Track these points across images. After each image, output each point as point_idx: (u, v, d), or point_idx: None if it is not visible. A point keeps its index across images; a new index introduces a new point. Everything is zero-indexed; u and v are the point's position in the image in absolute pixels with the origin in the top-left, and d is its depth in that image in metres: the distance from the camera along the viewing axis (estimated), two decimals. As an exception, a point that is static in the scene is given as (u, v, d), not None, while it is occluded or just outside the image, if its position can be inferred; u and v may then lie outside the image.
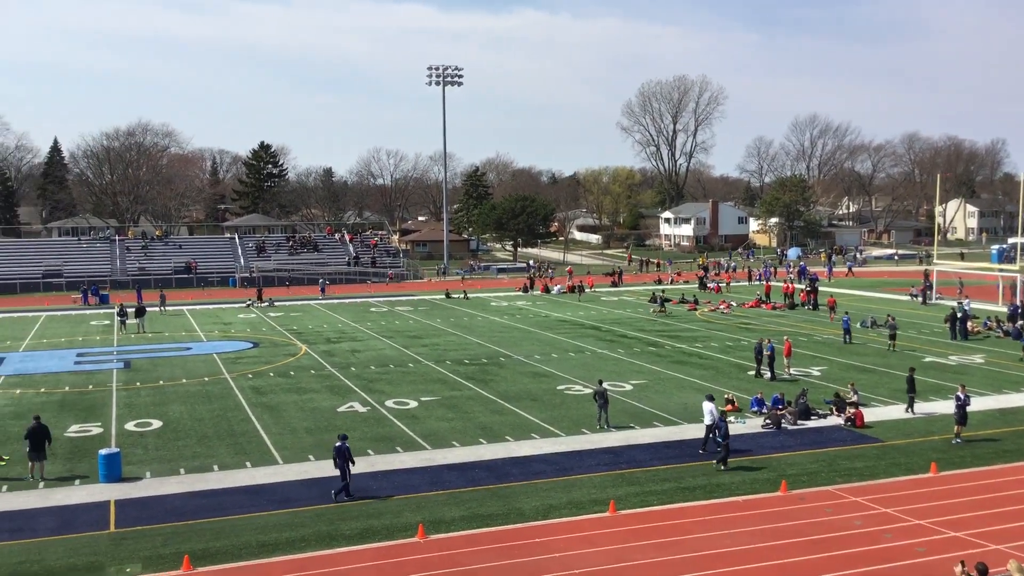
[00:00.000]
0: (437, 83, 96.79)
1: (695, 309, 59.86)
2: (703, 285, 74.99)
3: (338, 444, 22.18)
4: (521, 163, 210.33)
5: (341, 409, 31.27)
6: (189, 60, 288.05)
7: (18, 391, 34.98)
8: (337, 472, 21.93)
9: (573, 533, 19.55)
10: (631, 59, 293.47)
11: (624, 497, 21.78)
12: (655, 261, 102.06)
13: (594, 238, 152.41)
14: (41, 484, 23.05)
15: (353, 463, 22.23)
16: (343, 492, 21.76)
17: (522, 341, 46.96)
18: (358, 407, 31.57)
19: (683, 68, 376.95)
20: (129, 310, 53.57)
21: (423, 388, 34.83)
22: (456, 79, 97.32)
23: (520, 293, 74.42)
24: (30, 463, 23.56)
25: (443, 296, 71.15)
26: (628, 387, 34.60)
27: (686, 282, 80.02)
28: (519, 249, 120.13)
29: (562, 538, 19.25)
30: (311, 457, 25.39)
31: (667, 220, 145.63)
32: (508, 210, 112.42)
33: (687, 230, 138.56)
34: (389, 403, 32.12)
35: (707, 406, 25.69)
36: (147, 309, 55.88)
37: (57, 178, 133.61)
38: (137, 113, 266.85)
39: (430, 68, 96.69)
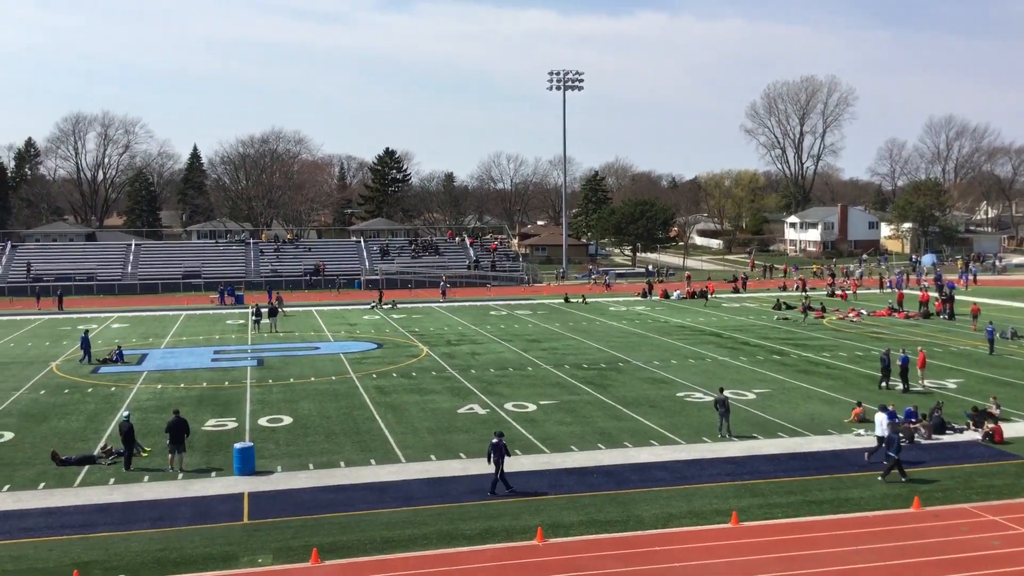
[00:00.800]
0: (558, 87, 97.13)
1: (822, 317, 58.06)
2: (832, 292, 72.69)
3: (494, 440, 22.76)
4: (641, 167, 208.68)
5: (461, 410, 31.76)
6: (320, 69, 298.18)
7: (159, 386, 36.94)
8: (492, 468, 22.66)
9: (694, 543, 19.29)
10: (756, 60, 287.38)
11: (747, 508, 21.34)
12: (781, 267, 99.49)
13: (715, 243, 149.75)
14: (180, 475, 24.28)
15: (508, 454, 22.92)
16: (498, 486, 22.46)
17: (641, 346, 46.60)
18: (478, 409, 31.99)
19: (811, 68, 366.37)
20: (263, 310, 55.85)
21: (541, 392, 35.01)
22: (576, 83, 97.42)
23: (639, 298, 73.86)
24: (169, 455, 24.83)
25: (562, 300, 71.31)
26: (751, 396, 33.88)
27: (812, 289, 77.71)
28: (638, 254, 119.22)
29: (683, 547, 19.02)
30: (432, 457, 25.88)
31: (792, 225, 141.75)
32: (627, 215, 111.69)
33: (814, 235, 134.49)
34: (508, 406, 32.42)
35: (880, 417, 24.97)
36: (279, 309, 58.15)
37: (196, 183, 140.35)
38: (271, 121, 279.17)
39: (551, 73, 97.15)
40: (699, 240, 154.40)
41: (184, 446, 24.91)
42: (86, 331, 45.98)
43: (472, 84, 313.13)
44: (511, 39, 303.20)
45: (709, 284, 78.60)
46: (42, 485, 23.42)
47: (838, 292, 72.21)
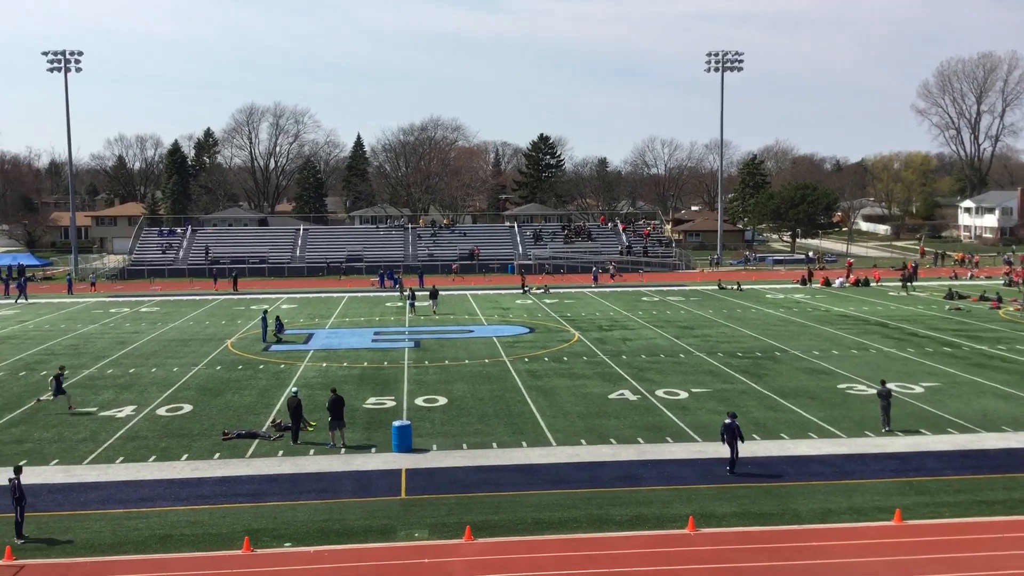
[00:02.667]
0: (716, 69, 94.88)
1: (998, 308, 54.48)
2: (1009, 282, 68.07)
3: (727, 421, 22.99)
4: (802, 150, 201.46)
5: (612, 396, 31.73)
6: (477, 56, 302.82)
7: (324, 364, 38.69)
8: (726, 448, 23.05)
9: (854, 540, 18.61)
10: (927, 36, 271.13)
11: (912, 507, 20.39)
12: (955, 255, 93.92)
13: (882, 229, 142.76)
14: (343, 450, 25.40)
15: (742, 440, 23.12)
16: (732, 466, 22.79)
17: (799, 335, 45.12)
18: (628, 395, 31.87)
19: (988, 44, 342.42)
20: (419, 293, 57.50)
21: (694, 379, 34.51)
22: (736, 64, 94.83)
23: (798, 285, 71.47)
24: (331, 431, 26.00)
25: (716, 287, 69.90)
26: (918, 389, 32.24)
27: (987, 278, 72.96)
28: (798, 240, 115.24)
29: (842, 544, 18.39)
30: (583, 441, 26.01)
31: (967, 210, 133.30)
32: (787, 199, 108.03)
33: (990, 221, 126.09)
34: (659, 392, 32.15)
35: None
36: (439, 292, 59.79)
37: (359, 170, 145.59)
38: (430, 109, 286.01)
39: (709, 54, 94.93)
40: (865, 226, 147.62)
41: (343, 422, 26.02)
42: (264, 311, 48.39)
43: (628, 68, 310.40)
44: (668, 21, 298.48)
45: (875, 272, 75.13)
46: (217, 455, 25.04)
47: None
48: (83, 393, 33.03)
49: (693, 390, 32.53)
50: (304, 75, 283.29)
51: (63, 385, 30.76)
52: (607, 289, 70.59)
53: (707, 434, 26.54)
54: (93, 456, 25.03)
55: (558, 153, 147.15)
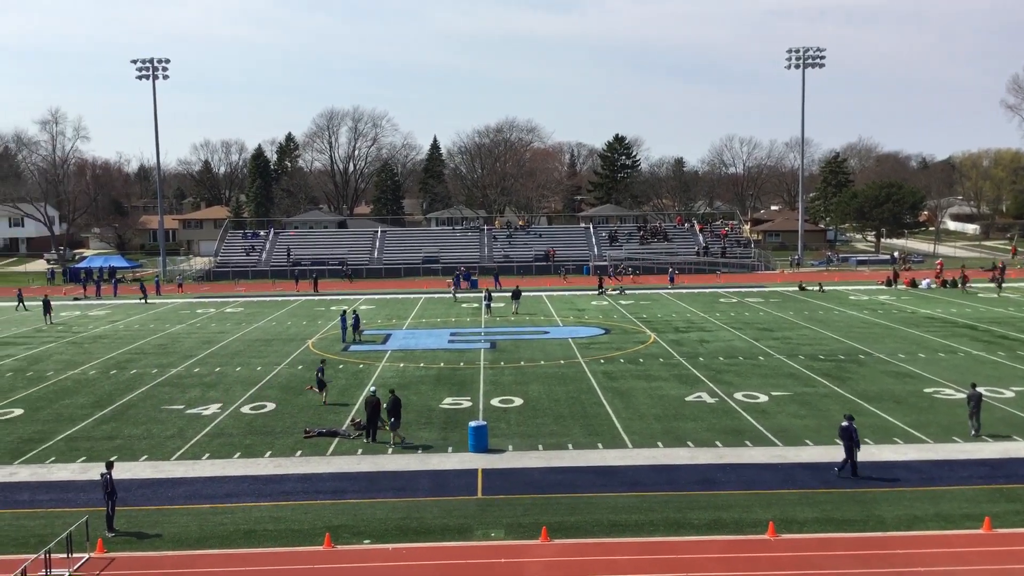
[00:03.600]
0: (796, 66, 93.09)
1: (1097, 310, 52.19)
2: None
3: (844, 424, 22.66)
4: (886, 147, 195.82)
5: (689, 398, 31.39)
6: (552, 57, 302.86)
7: (402, 364, 39.18)
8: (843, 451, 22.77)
9: (941, 548, 18.06)
10: (1017, 29, 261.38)
11: (1002, 515, 19.69)
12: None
13: (971, 228, 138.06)
14: (389, 449, 25.64)
15: (858, 447, 22.60)
16: (847, 470, 22.42)
17: (884, 338, 43.94)
18: (706, 397, 31.49)
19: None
20: (495, 295, 57.81)
21: (774, 382, 33.91)
22: (817, 60, 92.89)
23: (882, 287, 69.63)
24: (392, 431, 26.25)
25: (796, 288, 68.57)
26: (1009, 394, 31.11)
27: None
28: (882, 240, 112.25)
29: (928, 552, 17.87)
30: (659, 444, 25.79)
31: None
32: (871, 198, 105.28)
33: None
34: (738, 395, 31.68)
35: None
36: (522, 292, 60.10)
37: (436, 173, 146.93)
38: (505, 111, 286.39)
39: (789, 51, 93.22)
40: (952, 225, 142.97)
41: (400, 422, 26.29)
42: (344, 311, 49.20)
43: (705, 66, 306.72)
44: (746, 18, 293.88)
45: (964, 272, 72.71)
46: (299, 453, 25.57)
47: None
48: (171, 391, 34.09)
49: (773, 393, 31.97)
50: (382, 79, 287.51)
51: (322, 377, 31.59)
52: (683, 290, 69.87)
53: (788, 438, 26.06)
54: (180, 452, 25.82)
55: (634, 153, 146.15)
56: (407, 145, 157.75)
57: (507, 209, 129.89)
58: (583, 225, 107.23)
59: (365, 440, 26.41)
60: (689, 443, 25.79)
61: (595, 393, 32.62)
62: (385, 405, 26.48)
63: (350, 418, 29.12)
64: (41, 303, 57.78)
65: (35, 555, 17.62)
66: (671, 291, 69.72)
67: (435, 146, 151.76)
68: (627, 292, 68.29)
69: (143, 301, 66.77)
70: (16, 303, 63.58)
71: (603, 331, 48.43)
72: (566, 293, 69.15)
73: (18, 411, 31.21)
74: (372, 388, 28.82)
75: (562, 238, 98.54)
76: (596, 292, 68.24)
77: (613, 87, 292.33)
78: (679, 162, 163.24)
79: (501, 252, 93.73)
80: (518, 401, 31.45)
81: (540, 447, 25.69)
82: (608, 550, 18.34)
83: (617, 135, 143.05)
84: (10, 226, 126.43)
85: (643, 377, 35.31)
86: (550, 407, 30.50)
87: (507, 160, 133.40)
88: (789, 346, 42.12)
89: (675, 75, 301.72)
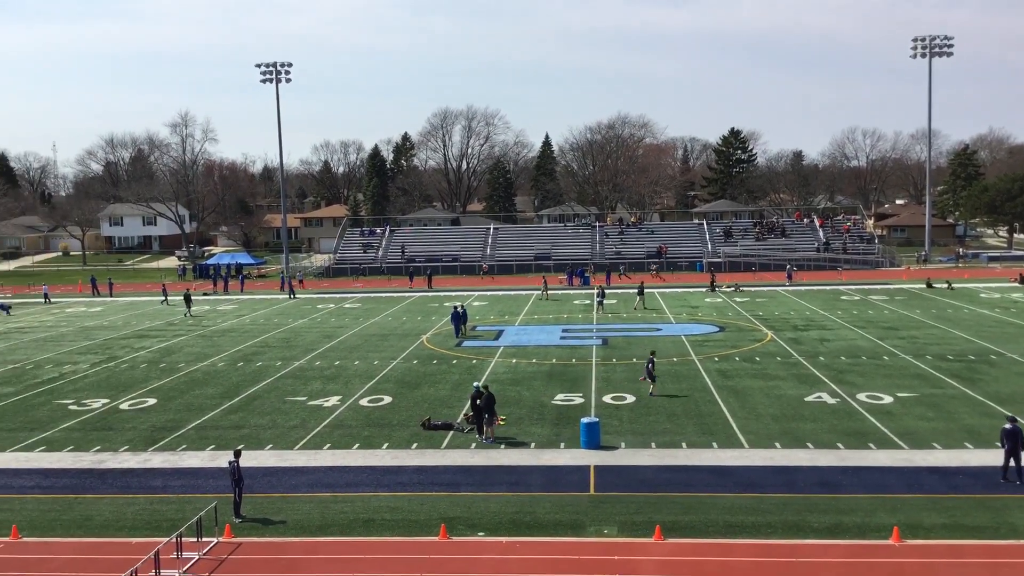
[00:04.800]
0: (923, 55, 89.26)
1: None
2: None
3: (1008, 427, 21.73)
4: (1020, 139, 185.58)
5: (808, 399, 30.55)
6: (664, 51, 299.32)
7: (514, 360, 39.47)
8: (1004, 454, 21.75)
9: (1082, 561, 17.06)
10: None
11: None
12: None
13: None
14: (473, 444, 25.84)
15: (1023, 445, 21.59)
16: (1012, 473, 21.53)
17: (1018, 338, 41.73)
18: (827, 398, 30.59)
19: None
20: (608, 291, 57.54)
21: (899, 383, 32.66)
22: (945, 49, 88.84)
23: (1016, 284, 66.11)
24: (486, 427, 26.47)
25: (923, 285, 65.81)
26: None
27: None
28: (1016, 235, 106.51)
29: (1067, 564, 16.91)
30: (777, 444, 25.21)
31: None
32: (1003, 191, 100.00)
33: None
34: (861, 396, 30.65)
35: None
36: (646, 289, 59.96)
37: (547, 170, 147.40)
38: (617, 106, 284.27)
39: (915, 39, 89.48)
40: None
41: (494, 418, 26.48)
42: (455, 306, 50.01)
43: (825, 56, 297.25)
44: (869, 5, 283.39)
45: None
46: (415, 445, 26.09)
47: None
48: (293, 383, 35.29)
49: (898, 394, 30.80)
50: (494, 77, 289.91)
51: (651, 369, 31.73)
52: (802, 288, 68.01)
53: (914, 441, 25.08)
54: (303, 442, 26.72)
55: (750, 147, 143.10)
56: (519, 143, 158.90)
57: (619, 206, 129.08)
58: (696, 221, 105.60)
59: (478, 436, 26.74)
60: (809, 444, 25.11)
61: (709, 392, 32.12)
62: (479, 402, 26.76)
63: (463, 413, 29.52)
64: (183, 297, 61.37)
65: (167, 538, 18.54)
66: (789, 288, 67.94)
67: (547, 143, 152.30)
68: (742, 289, 66.93)
69: (290, 297, 69.39)
70: (162, 298, 67.10)
71: (717, 328, 47.61)
72: (679, 290, 68.27)
73: (152, 400, 32.88)
74: (477, 384, 29.10)
75: (675, 235, 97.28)
76: (708, 289, 67.12)
77: (729, 80, 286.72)
78: (798, 155, 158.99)
79: (613, 249, 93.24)
80: (630, 398, 31.26)
81: (653, 445, 25.46)
82: (724, 551, 18.06)
83: (732, 129, 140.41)
84: (144, 225, 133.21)
85: (760, 376, 34.56)
86: (663, 405, 30.19)
87: (619, 156, 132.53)
88: (916, 346, 40.49)
89: (794, 66, 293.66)
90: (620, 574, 17.06)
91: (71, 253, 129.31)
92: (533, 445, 25.77)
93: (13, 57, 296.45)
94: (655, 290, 67.73)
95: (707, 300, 61.30)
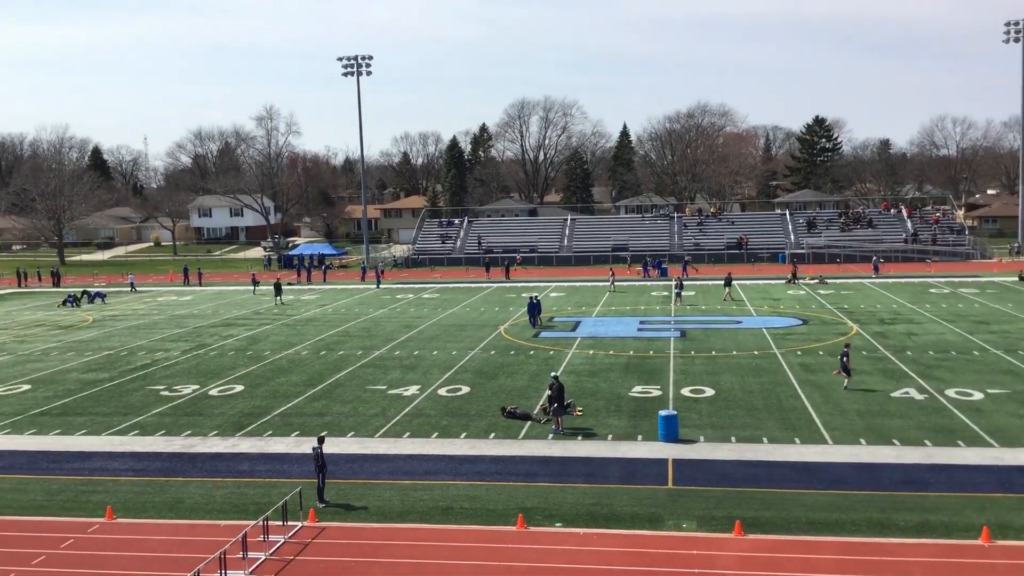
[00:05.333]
0: (1015, 40, 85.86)
1: None
2: None
3: None
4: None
5: (895, 394, 29.79)
6: (745, 38, 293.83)
7: (591, 352, 39.41)
8: None
9: None
10: None
11: None
12: None
13: None
14: (550, 435, 25.85)
15: None
16: None
17: (1121, 334, 39.97)
18: (914, 394, 29.78)
19: None
20: (686, 283, 56.91)
21: (990, 379, 31.59)
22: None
23: (1120, 277, 63.21)
24: (555, 417, 26.49)
25: (1016, 278, 63.41)
26: None
27: None
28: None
29: None
30: (862, 441, 24.66)
31: None
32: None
33: None
34: (950, 392, 29.75)
35: None
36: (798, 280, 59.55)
37: (625, 160, 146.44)
38: (696, 95, 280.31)
39: (1007, 24, 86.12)
40: None
41: (562, 409, 26.43)
42: (531, 297, 50.27)
43: (913, 41, 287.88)
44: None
45: None
46: (492, 435, 26.31)
47: None
48: (374, 372, 35.90)
49: (989, 391, 29.81)
50: (572, 67, 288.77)
51: (846, 362, 31.07)
52: (889, 280, 66.23)
53: (1005, 439, 24.27)
54: (383, 430, 27.19)
55: (835, 136, 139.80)
56: (597, 133, 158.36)
57: (698, 196, 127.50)
58: (778, 211, 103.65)
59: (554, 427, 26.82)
60: (895, 441, 24.51)
61: (791, 386, 31.58)
62: (548, 392, 26.81)
63: (540, 403, 29.63)
64: (273, 286, 63.16)
65: (254, 521, 19.11)
66: (875, 280, 66.23)
67: (625, 133, 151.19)
68: (826, 281, 65.49)
69: (377, 286, 70.57)
70: (253, 286, 68.96)
71: (800, 321, 46.72)
72: (760, 281, 67.16)
73: (239, 387, 33.84)
74: (554, 374, 29.12)
75: (756, 225, 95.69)
76: (788, 281, 65.85)
77: (813, 66, 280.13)
78: (885, 144, 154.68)
79: (691, 240, 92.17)
80: (709, 392, 30.94)
81: (733, 439, 25.17)
82: (806, 548, 17.78)
83: (817, 117, 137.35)
84: (231, 216, 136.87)
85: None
86: (743, 399, 29.80)
87: (698, 146, 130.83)
88: (1008, 340, 39.09)
89: (880, 52, 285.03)
90: (699, 569, 16.95)
91: (162, 243, 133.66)
92: (610, 437, 25.74)
93: (107, 52, 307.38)
94: (709, 283, 66.81)
95: (789, 292, 60.17)
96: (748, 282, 67.26)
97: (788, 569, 16.90)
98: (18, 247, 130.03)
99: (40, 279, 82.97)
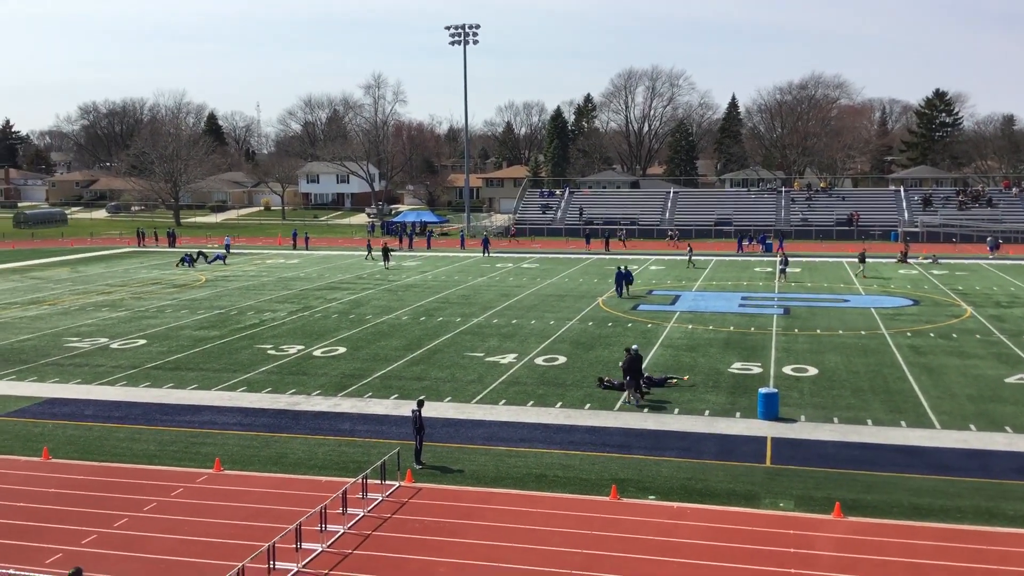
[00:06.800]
0: None
1: None
2: None
3: None
4: None
5: (1010, 380, 28.52)
6: (863, 6, 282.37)
7: (690, 326, 38.92)
8: None
9: None
10: None
11: None
12: None
13: None
14: (645, 409, 25.54)
15: None
16: None
17: None
18: (1032, 381, 28.45)
19: None
20: (792, 259, 55.49)
21: (1117, 369, 29.91)
22: None
23: None
24: (629, 389, 26.37)
25: None
26: None
27: None
28: None
29: None
30: (972, 427, 23.73)
31: None
32: None
33: None
34: (1071, 381, 28.31)
35: None
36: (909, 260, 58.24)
37: (732, 132, 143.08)
38: (810, 65, 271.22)
39: None
40: None
41: (636, 382, 26.24)
42: (619, 267, 50.00)
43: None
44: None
45: None
46: (587, 406, 26.33)
47: None
48: (472, 339, 36.30)
49: (1114, 381, 28.25)
50: (680, 37, 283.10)
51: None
52: (1008, 261, 63.18)
53: None
54: (480, 396, 27.52)
55: (955, 110, 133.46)
56: (704, 104, 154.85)
57: (807, 170, 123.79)
58: (892, 188, 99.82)
59: (638, 397, 26.58)
60: (1007, 428, 23.50)
61: (899, 368, 30.55)
62: (621, 364, 26.65)
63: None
64: (381, 251, 65.06)
65: (353, 479, 19.64)
66: (992, 261, 63.28)
67: (733, 104, 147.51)
68: (940, 261, 62.91)
69: (485, 254, 71.26)
70: (366, 252, 70.37)
71: (911, 302, 45.06)
72: (870, 260, 64.97)
73: (342, 349, 34.71)
74: (635, 346, 28.74)
75: (868, 201, 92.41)
76: (899, 260, 63.47)
77: (934, 37, 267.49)
78: (1009, 120, 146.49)
79: (799, 215, 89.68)
80: (812, 371, 30.21)
81: (835, 420, 24.55)
82: (908, 533, 17.26)
83: (937, 90, 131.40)
84: (337, 182, 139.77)
85: (956, 354, 32.53)
86: (848, 379, 29.00)
87: (810, 118, 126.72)
88: None
89: (1007, 22, 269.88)
90: (795, 548, 16.66)
91: (272, 208, 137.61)
92: (707, 412, 25.44)
93: (223, 20, 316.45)
94: (815, 259, 64.76)
95: (900, 272, 58.07)
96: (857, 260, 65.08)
97: (888, 553, 16.45)
98: (137, 208, 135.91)
99: (157, 239, 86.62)
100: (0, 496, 19.71)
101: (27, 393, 28.53)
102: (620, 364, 27.03)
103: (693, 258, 63.68)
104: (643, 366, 27.35)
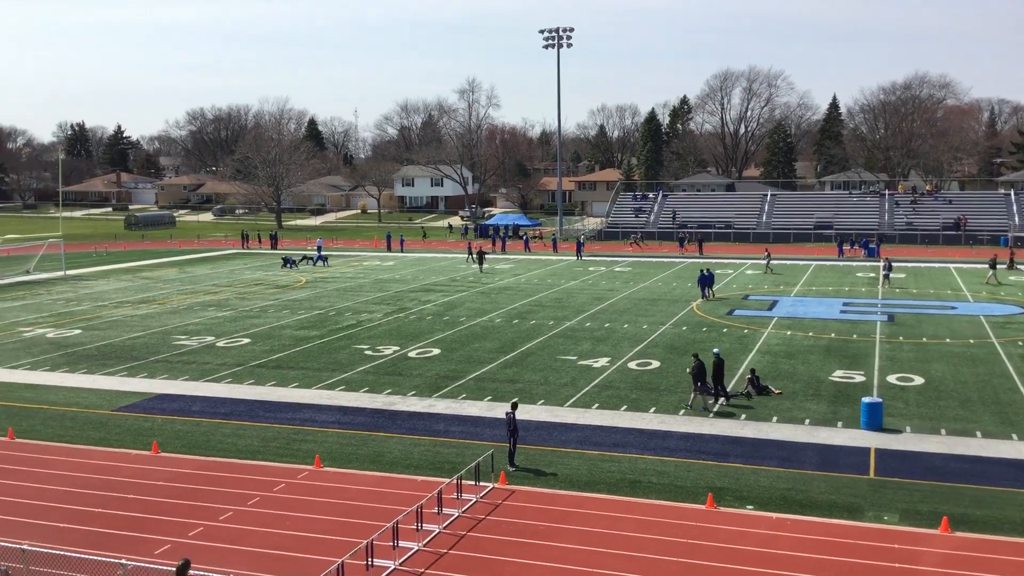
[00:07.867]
0: None
1: None
2: None
3: None
4: None
5: None
6: (971, 3, 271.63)
7: (788, 332, 38.07)
8: None
9: None
10: None
11: None
12: None
13: None
14: (743, 416, 25.03)
15: None
16: None
17: None
18: None
19: None
20: (895, 264, 53.71)
21: None
22: None
23: None
24: (696, 395, 26.04)
25: None
26: None
27: None
28: None
29: None
30: (1092, 442, 22.59)
31: None
32: None
33: None
34: None
35: None
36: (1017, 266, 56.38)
37: (833, 133, 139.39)
38: (915, 64, 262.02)
39: None
40: None
41: (708, 387, 26.01)
42: (702, 269, 49.92)
43: None
44: None
45: None
46: (682, 412, 26.01)
47: None
48: (564, 343, 36.28)
49: None
50: (780, 36, 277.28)
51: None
52: None
53: None
54: (573, 400, 27.49)
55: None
56: (803, 105, 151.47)
57: (912, 172, 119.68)
58: (1002, 191, 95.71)
59: (712, 404, 26.12)
60: None
61: (1010, 378, 29.28)
62: (688, 370, 26.46)
63: (732, 382, 28.97)
64: (476, 255, 65.87)
65: (448, 480, 19.86)
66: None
67: (834, 105, 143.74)
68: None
69: (578, 258, 71.36)
70: (466, 255, 71.11)
71: (1022, 310, 43.11)
72: (978, 266, 62.43)
73: (436, 351, 35.14)
74: (716, 350, 28.21)
75: (976, 205, 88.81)
76: (1007, 267, 60.72)
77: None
78: None
79: (903, 219, 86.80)
80: (918, 380, 29.20)
81: (943, 432, 23.68)
82: (1019, 550, 16.52)
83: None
84: (432, 186, 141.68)
85: (1074, 365, 30.99)
86: (956, 389, 27.93)
87: (915, 119, 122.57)
88: None
89: None
90: (900, 563, 16.13)
91: (368, 211, 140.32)
92: (807, 421, 24.85)
93: (323, 28, 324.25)
94: (921, 265, 62.38)
95: (1012, 278, 55.63)
96: (964, 265, 62.70)
97: (996, 570, 15.79)
98: (240, 211, 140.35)
99: (260, 241, 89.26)
100: (112, 488, 20.62)
101: (138, 389, 29.78)
102: (688, 370, 26.86)
103: (772, 262, 62.18)
104: (720, 374, 26.89)
